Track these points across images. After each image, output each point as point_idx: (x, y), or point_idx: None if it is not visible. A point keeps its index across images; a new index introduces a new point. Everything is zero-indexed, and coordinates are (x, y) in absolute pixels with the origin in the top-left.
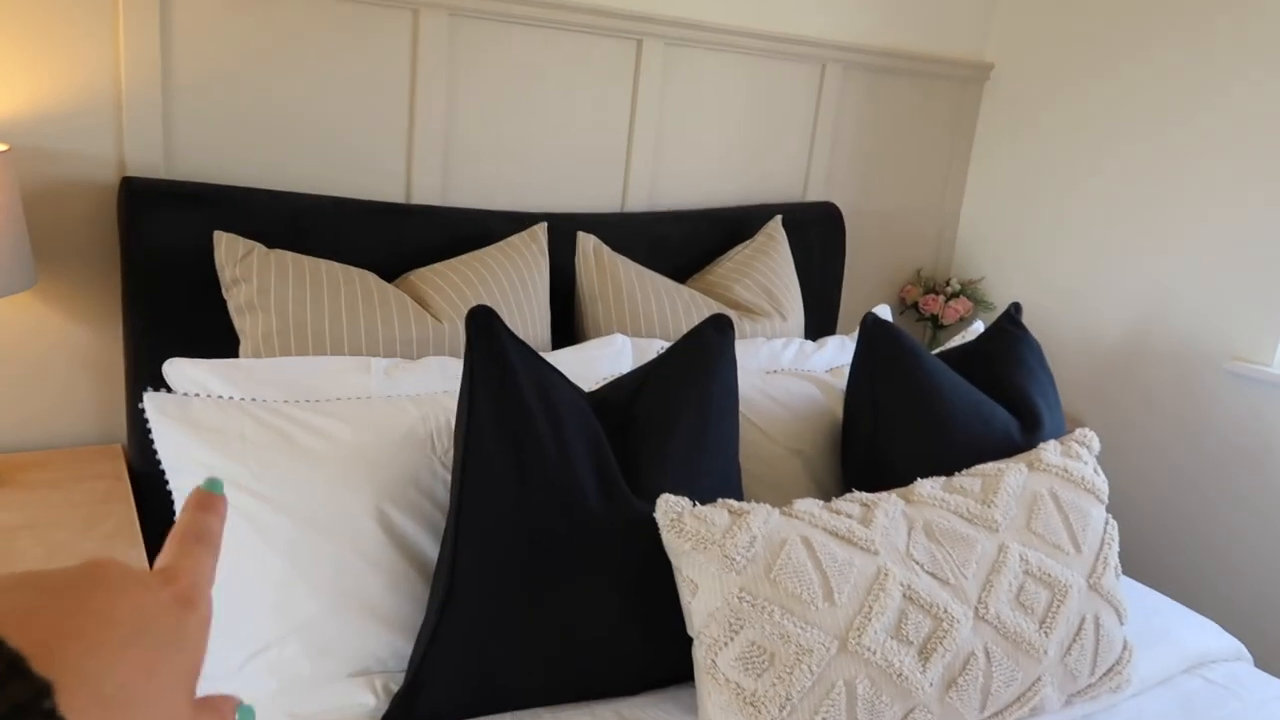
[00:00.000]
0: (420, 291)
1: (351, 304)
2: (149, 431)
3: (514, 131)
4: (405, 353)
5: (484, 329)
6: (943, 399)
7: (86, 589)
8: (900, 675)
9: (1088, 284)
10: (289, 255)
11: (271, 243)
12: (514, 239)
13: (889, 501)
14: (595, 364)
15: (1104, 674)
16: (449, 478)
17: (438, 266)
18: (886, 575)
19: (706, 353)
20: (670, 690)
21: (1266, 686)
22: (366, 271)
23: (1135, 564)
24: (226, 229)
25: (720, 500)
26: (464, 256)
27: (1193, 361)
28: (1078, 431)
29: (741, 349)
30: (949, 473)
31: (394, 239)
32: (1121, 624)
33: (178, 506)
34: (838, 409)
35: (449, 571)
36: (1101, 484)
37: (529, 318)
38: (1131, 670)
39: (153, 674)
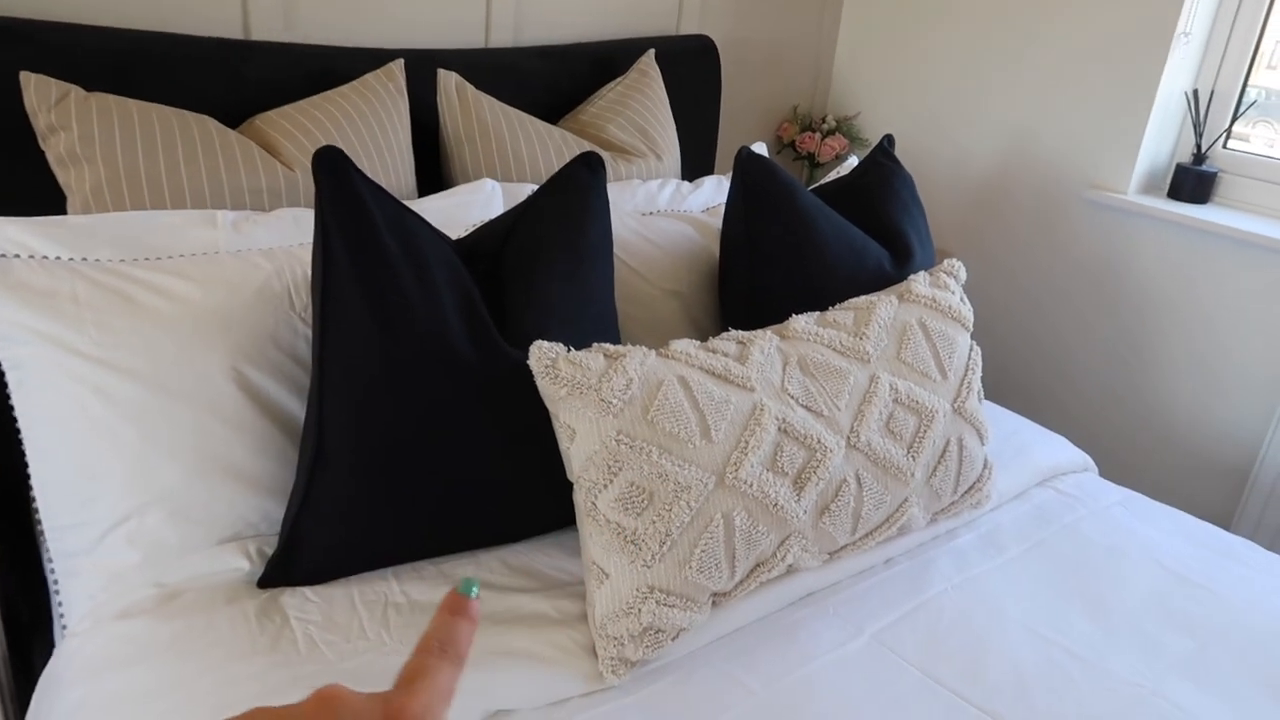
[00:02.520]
0: (267, 137)
1: (190, 152)
2: None
3: None
4: (255, 204)
5: (332, 171)
6: (818, 234)
7: None
8: (776, 505)
9: (957, 117)
10: (112, 98)
11: (91, 85)
12: (368, 78)
13: (764, 339)
14: (464, 210)
15: (965, 492)
16: (310, 335)
17: (285, 110)
18: (762, 410)
19: (578, 193)
20: (554, 535)
21: (1109, 493)
22: (204, 116)
23: (997, 388)
24: (36, 69)
25: (595, 344)
26: (314, 98)
27: (1053, 191)
28: (946, 262)
29: (616, 191)
30: (824, 307)
31: (232, 80)
32: (983, 444)
33: (10, 376)
34: (715, 248)
35: (316, 430)
36: (967, 312)
37: (390, 164)
38: (991, 487)
39: None
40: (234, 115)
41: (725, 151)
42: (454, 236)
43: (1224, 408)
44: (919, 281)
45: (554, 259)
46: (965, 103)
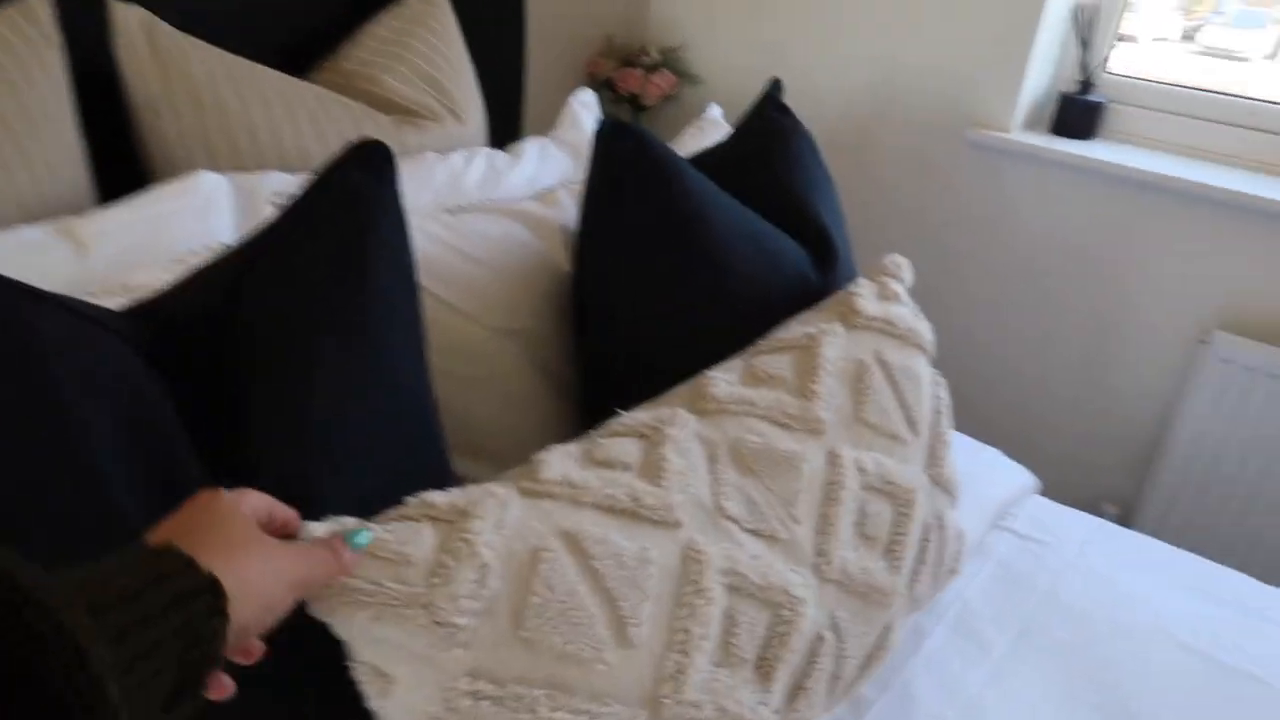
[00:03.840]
0: None
1: None
2: None
3: None
4: None
5: None
6: (716, 234)
7: (205, 514)
8: (738, 719)
9: (808, 49)
10: None
11: None
12: None
13: (676, 422)
14: (169, 226)
15: (945, 579)
16: None
17: None
18: (700, 563)
19: (356, 210)
20: None
21: (1070, 528)
22: None
23: None
24: None
25: (416, 499)
26: None
27: (928, 134)
28: (887, 261)
29: (407, 174)
30: (737, 344)
31: None
32: (955, 509)
33: None
34: (561, 256)
35: None
36: (926, 331)
37: (40, 153)
38: (963, 561)
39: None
40: None
41: (535, 101)
42: (157, 272)
43: (1129, 369)
44: (864, 297)
45: (321, 331)
46: (818, 31)
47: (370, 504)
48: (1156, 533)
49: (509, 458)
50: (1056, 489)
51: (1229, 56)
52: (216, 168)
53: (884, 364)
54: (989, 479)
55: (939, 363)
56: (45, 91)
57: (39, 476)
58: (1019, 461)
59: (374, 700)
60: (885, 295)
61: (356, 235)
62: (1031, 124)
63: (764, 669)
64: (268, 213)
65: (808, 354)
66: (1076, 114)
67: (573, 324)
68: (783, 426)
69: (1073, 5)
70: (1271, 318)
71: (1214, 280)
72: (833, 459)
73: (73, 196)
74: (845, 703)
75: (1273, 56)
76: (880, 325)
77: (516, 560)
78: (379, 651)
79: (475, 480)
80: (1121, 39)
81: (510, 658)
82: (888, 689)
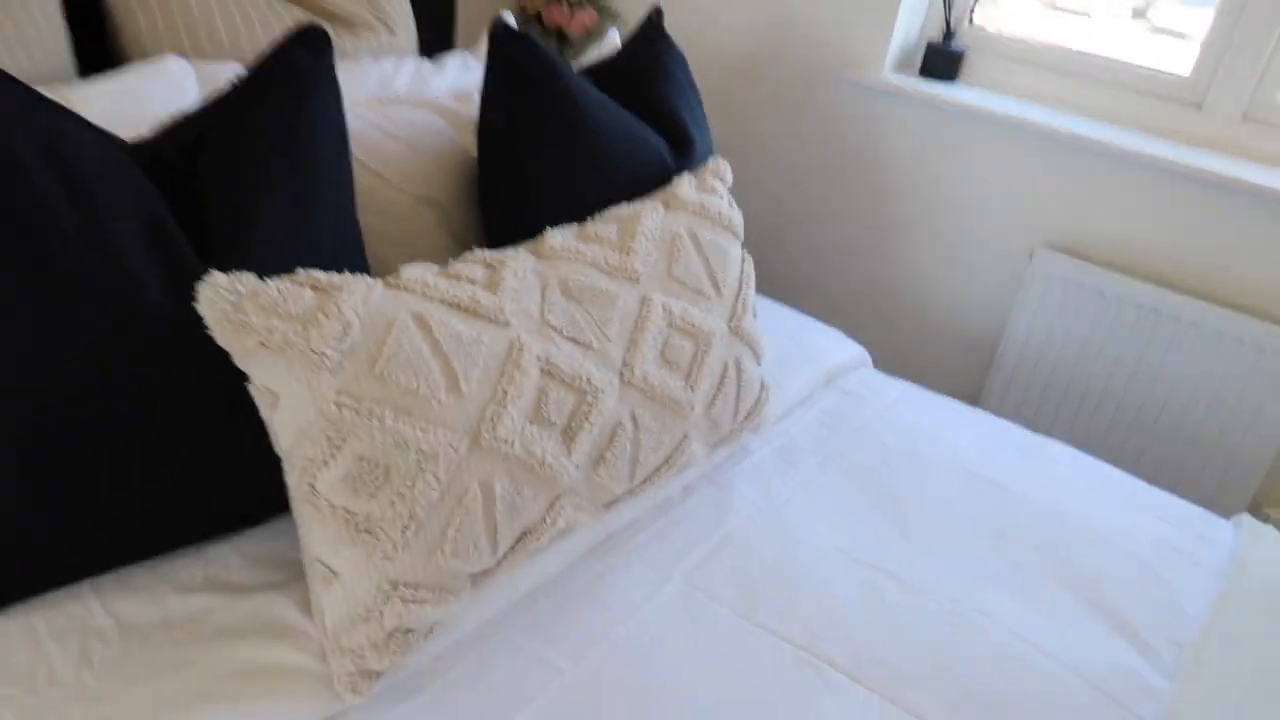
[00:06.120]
0: None
1: None
2: None
3: None
4: None
5: None
6: (591, 123)
7: None
8: (543, 464)
9: None
10: None
11: None
12: None
13: (518, 259)
14: (144, 100)
15: (744, 417)
16: None
17: None
18: (521, 350)
19: (298, 79)
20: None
21: (888, 388)
22: None
23: (761, 275)
24: None
25: (300, 273)
26: None
27: (811, 72)
28: (710, 162)
29: (344, 73)
30: (604, 209)
31: None
32: (759, 364)
33: None
34: (470, 144)
35: None
36: (738, 219)
37: (30, 36)
38: (769, 409)
39: None
40: None
41: (466, 23)
42: (128, 136)
43: (973, 284)
44: (684, 186)
45: (271, 166)
46: None
47: None
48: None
49: None
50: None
51: (1175, 35)
52: (183, 55)
53: (695, 237)
54: (826, 350)
55: (825, 273)
56: None
57: (82, 271)
58: (890, 360)
59: (265, 413)
60: (704, 188)
61: (298, 95)
62: (902, 67)
63: (569, 435)
64: None
65: (630, 223)
66: (940, 60)
67: (477, 198)
68: (604, 271)
69: None
70: (1086, 239)
71: (1041, 206)
72: (644, 301)
73: (60, 73)
74: (649, 488)
75: (1137, 15)
76: (695, 209)
77: (374, 325)
78: (268, 374)
79: None
80: None
81: (367, 387)
82: (712, 483)
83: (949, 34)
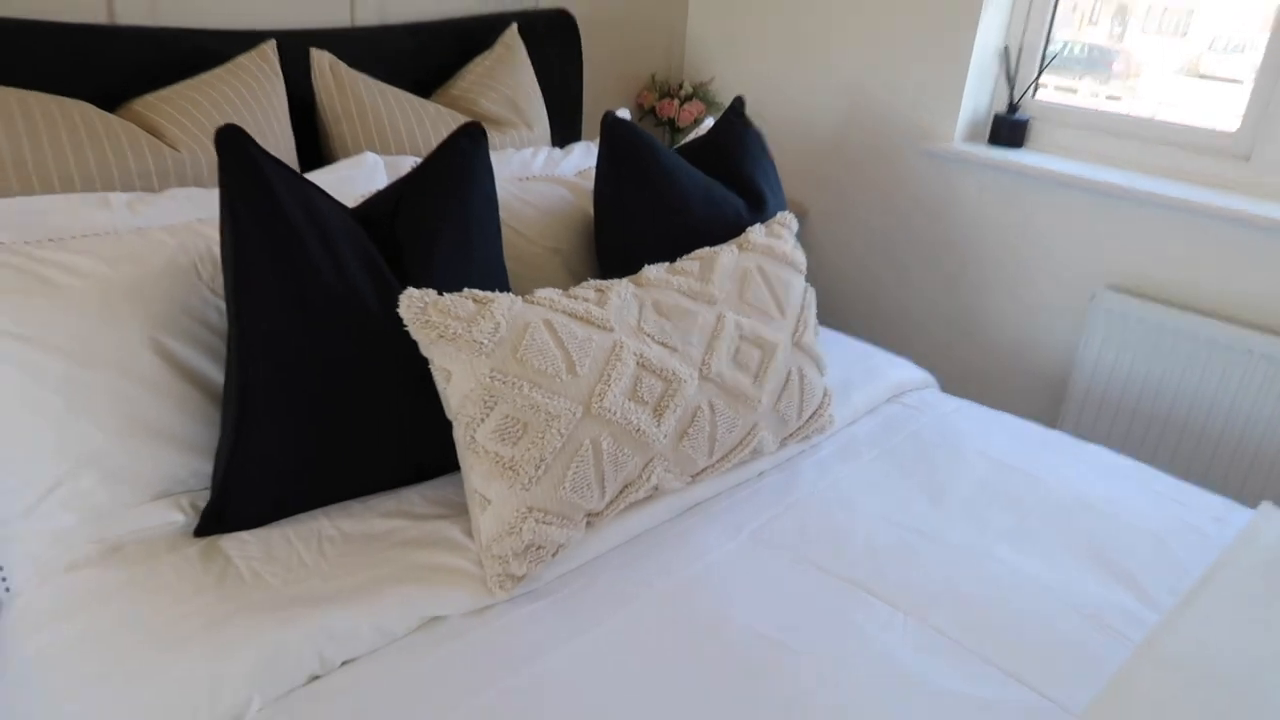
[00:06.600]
0: (149, 121)
1: (75, 137)
2: None
3: None
4: (145, 185)
5: (234, 147)
6: (680, 189)
7: None
8: (638, 430)
9: (801, 80)
10: None
11: None
12: (241, 60)
13: (621, 286)
14: (350, 184)
15: (809, 418)
16: (220, 303)
17: (163, 93)
18: (621, 347)
19: (463, 161)
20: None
21: (946, 404)
22: (80, 101)
23: (847, 320)
24: None
25: (465, 291)
26: (191, 81)
27: (890, 143)
28: (779, 215)
29: (495, 158)
30: (689, 252)
31: (101, 65)
32: (821, 375)
33: None
34: (588, 208)
35: (239, 388)
36: (800, 258)
37: (272, 143)
38: (832, 413)
39: None
40: (108, 100)
41: (590, 119)
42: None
43: (1043, 324)
44: (755, 232)
45: (444, 223)
46: (808, 66)
47: None
48: None
49: None
50: None
51: (1225, 80)
52: (375, 152)
53: (762, 271)
54: (892, 372)
55: (906, 318)
56: (274, 104)
57: (328, 288)
58: (964, 393)
59: (440, 385)
60: (772, 234)
61: (463, 172)
62: (972, 137)
63: (658, 411)
64: None
65: (710, 260)
66: (1006, 129)
67: (593, 247)
68: (688, 295)
69: (1001, 49)
70: (1145, 279)
71: (1100, 252)
72: (720, 318)
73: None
74: (726, 465)
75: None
76: (763, 249)
77: (516, 325)
78: (444, 358)
79: None
80: (1043, 69)
81: (511, 366)
82: (782, 470)
83: (1013, 106)
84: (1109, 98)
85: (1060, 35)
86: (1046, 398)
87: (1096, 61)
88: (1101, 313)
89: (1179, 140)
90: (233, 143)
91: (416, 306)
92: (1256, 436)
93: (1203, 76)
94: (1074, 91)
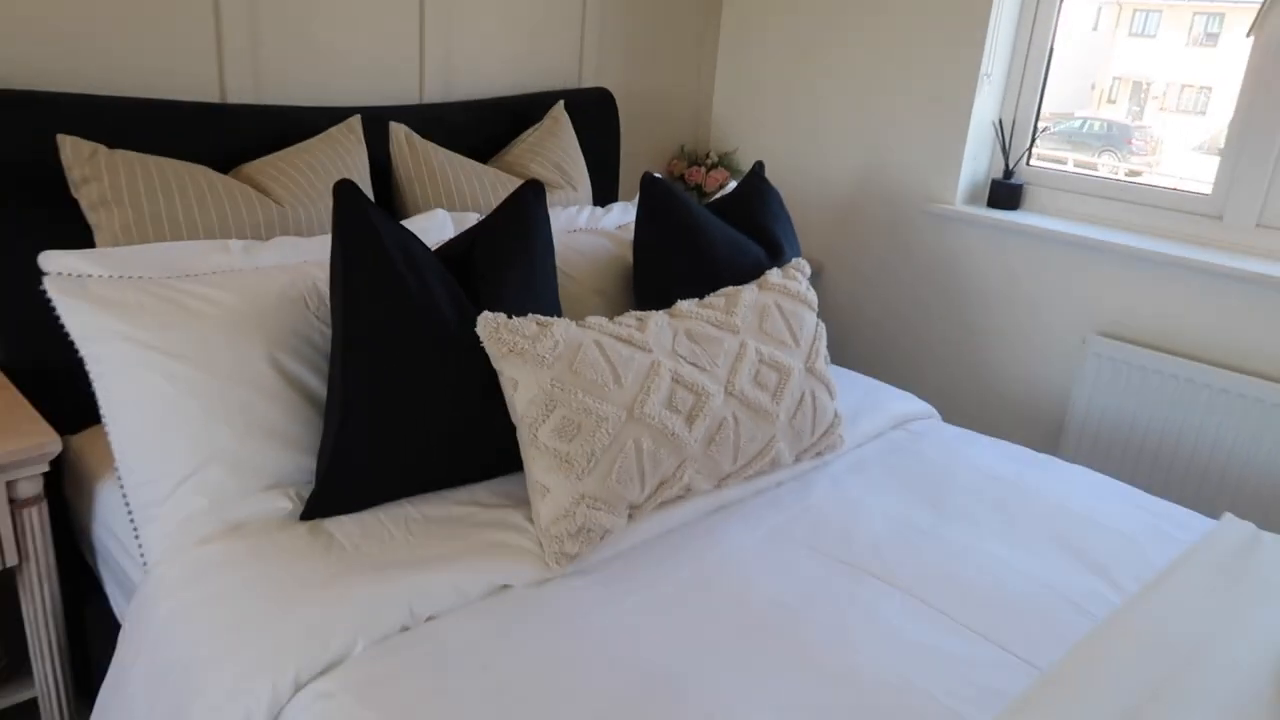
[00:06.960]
0: (257, 181)
1: (199, 194)
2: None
3: (324, 35)
4: (255, 234)
5: (349, 197)
6: (708, 239)
7: None
8: (673, 435)
9: (817, 150)
10: (132, 154)
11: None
12: (332, 131)
13: (658, 316)
14: (424, 235)
15: (822, 435)
16: (324, 328)
17: (268, 159)
18: (658, 365)
19: (527, 211)
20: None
21: (948, 430)
22: (201, 166)
23: (859, 363)
24: (56, 130)
25: (529, 315)
26: (291, 148)
27: (898, 206)
28: (794, 260)
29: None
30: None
31: (217, 136)
32: (832, 399)
33: (92, 368)
34: (628, 256)
35: (342, 395)
36: (812, 297)
37: None
38: (843, 432)
39: None
40: (223, 164)
41: (627, 183)
42: None
43: (1038, 367)
44: (774, 274)
45: (512, 260)
46: (822, 138)
47: None
48: None
49: None
50: None
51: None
52: (443, 209)
53: (779, 307)
54: (898, 403)
55: (913, 363)
56: (359, 167)
57: (419, 313)
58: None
59: (508, 393)
60: (787, 276)
61: (527, 221)
62: (973, 199)
63: (690, 419)
64: None
65: (734, 296)
66: (1003, 192)
67: (632, 290)
68: (714, 325)
69: (995, 121)
70: (1130, 326)
71: (1088, 302)
72: (742, 344)
73: None
74: (749, 471)
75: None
76: (780, 289)
77: (571, 343)
78: (512, 369)
79: None
80: (1034, 140)
81: (568, 377)
82: (799, 481)
83: (1009, 172)
84: (1129, 173)
85: (1080, 113)
86: (1043, 433)
87: (1115, 138)
88: (1092, 356)
89: (1159, 202)
90: (348, 194)
91: (490, 326)
92: (1232, 463)
93: (1221, 154)
94: (1094, 168)
